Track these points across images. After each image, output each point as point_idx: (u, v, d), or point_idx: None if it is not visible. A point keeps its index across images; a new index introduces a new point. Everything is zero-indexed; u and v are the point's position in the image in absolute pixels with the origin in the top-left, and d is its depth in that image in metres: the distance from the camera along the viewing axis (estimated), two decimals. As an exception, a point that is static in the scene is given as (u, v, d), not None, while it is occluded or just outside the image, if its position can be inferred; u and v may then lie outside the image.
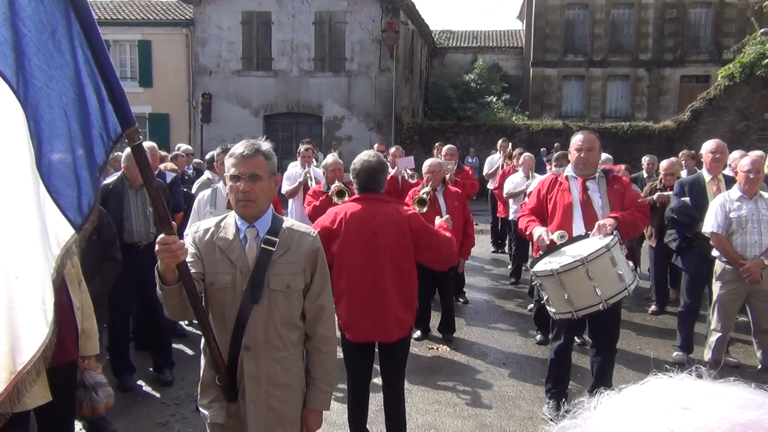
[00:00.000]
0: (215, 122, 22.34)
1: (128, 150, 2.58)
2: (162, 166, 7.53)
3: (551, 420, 4.87)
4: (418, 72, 28.27)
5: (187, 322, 6.81)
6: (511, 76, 32.42)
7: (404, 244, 4.00)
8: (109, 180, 5.36)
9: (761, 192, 5.41)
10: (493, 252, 12.03)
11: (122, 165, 5.39)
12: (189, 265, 2.58)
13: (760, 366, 5.56)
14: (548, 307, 4.67)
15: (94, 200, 2.16)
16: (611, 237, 4.42)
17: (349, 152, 20.31)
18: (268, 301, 2.71)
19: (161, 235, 2.35)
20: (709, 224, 5.43)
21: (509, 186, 8.97)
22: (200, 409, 2.86)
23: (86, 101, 2.10)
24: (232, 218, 2.81)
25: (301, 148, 8.59)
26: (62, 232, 2.13)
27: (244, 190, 2.65)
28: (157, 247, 2.34)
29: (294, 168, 8.41)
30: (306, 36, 22.57)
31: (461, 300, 8.35)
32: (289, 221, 2.92)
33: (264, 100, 22.92)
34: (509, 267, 10.04)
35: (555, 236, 4.58)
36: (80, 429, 4.64)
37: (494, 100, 28.32)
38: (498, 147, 11.93)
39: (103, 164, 2.19)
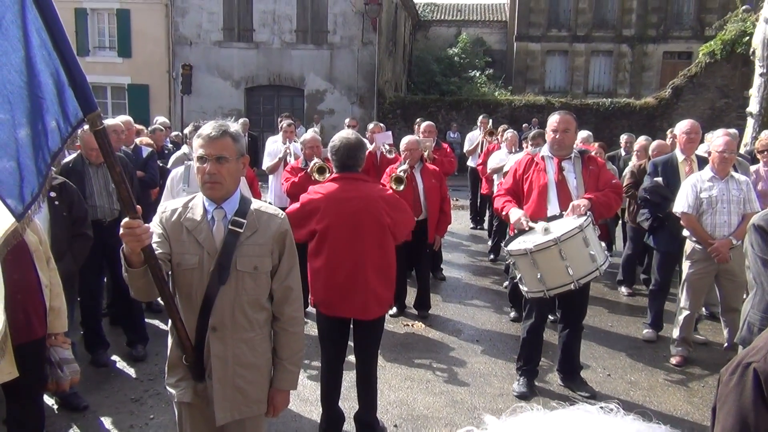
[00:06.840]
0: (196, 94, 22.02)
1: (81, 130, 2.54)
2: (138, 141, 7.45)
3: (519, 397, 4.95)
4: (401, 45, 28.03)
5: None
6: (494, 51, 32.23)
7: (383, 223, 4.04)
8: (68, 159, 5.31)
9: (732, 173, 5.47)
10: (472, 228, 12.08)
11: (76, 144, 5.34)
12: (156, 245, 2.57)
13: (726, 344, 5.67)
14: (521, 286, 4.73)
15: (37, 188, 2.12)
16: (585, 217, 4.47)
17: (331, 126, 20.20)
18: (235, 282, 2.71)
19: (125, 219, 2.33)
20: (680, 204, 5.49)
21: (494, 162, 9.00)
22: (167, 387, 2.87)
23: (40, 87, 2.05)
24: (199, 199, 2.80)
25: (284, 123, 8.53)
26: (2, 220, 2.10)
27: (210, 172, 2.64)
28: (121, 231, 2.33)
29: (275, 144, 8.34)
30: (288, 7, 22.21)
31: (438, 277, 8.40)
32: (257, 203, 2.91)
33: (245, 72, 22.62)
34: (489, 243, 10.09)
35: (538, 227, 4.59)
36: (53, 404, 4.66)
37: (477, 74, 28.23)
38: (478, 124, 11.91)
39: (58, 150, 2.16)
